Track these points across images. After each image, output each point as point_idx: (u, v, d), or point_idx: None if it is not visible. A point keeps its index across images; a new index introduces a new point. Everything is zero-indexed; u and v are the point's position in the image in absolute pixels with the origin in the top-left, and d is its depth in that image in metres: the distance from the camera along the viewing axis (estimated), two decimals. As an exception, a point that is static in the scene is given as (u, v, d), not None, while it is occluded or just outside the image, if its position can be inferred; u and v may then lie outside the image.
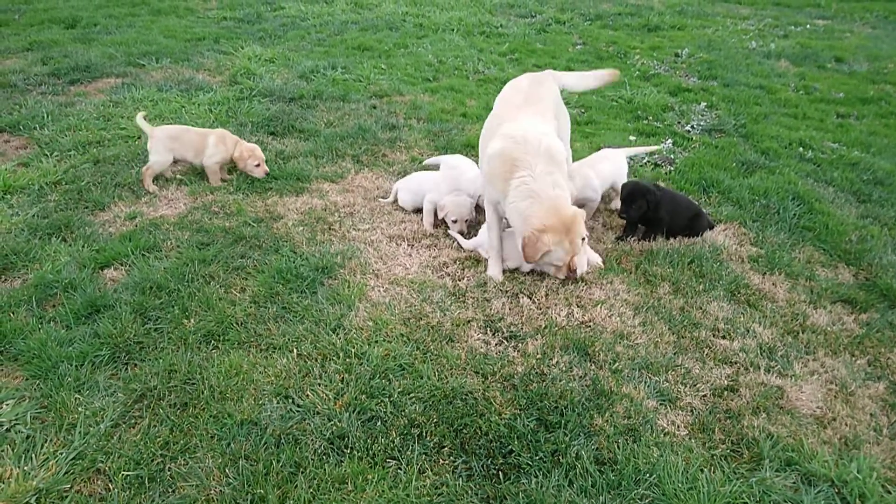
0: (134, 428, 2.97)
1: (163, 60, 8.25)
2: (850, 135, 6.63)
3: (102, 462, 2.78)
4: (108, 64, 7.98)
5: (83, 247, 4.29)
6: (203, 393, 3.14)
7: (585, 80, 4.98)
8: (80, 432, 2.90)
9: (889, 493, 2.75)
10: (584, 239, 3.98)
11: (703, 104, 7.29)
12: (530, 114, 4.26)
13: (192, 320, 3.62)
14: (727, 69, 8.72)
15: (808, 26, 11.68)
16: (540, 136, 4.04)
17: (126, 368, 3.31)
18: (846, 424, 3.10)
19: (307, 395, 3.11)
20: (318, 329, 3.55)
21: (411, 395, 3.13)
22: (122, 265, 4.14)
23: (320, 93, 7.28)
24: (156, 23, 10.24)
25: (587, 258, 4.27)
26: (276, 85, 7.41)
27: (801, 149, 6.19)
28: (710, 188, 5.27)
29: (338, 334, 3.51)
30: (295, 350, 3.40)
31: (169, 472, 2.75)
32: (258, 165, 5.19)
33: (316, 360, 3.35)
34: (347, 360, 3.33)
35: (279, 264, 4.07)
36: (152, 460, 2.79)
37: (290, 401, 3.09)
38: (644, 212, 4.46)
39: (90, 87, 7.36)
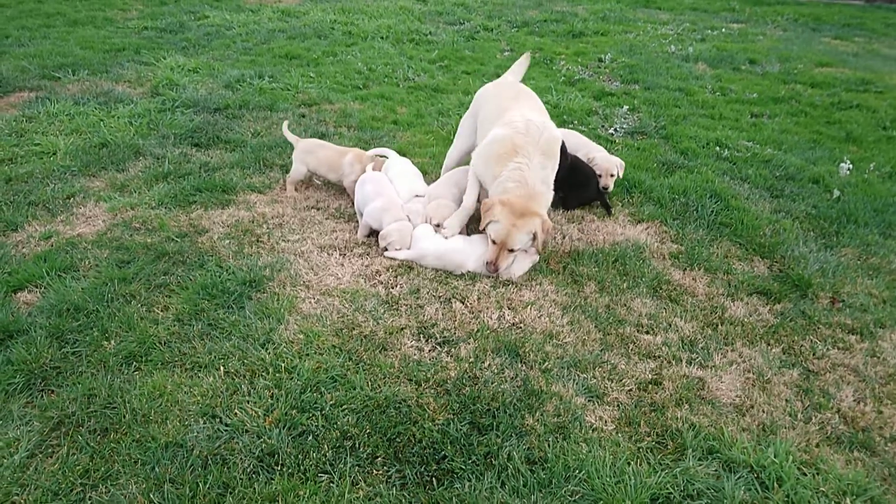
0: (51, 457, 2.84)
1: (80, 73, 7.93)
2: (764, 133, 6.96)
3: (18, 495, 2.66)
4: (21, 77, 7.62)
5: (-7, 270, 4.08)
6: (125, 417, 3.03)
7: (521, 71, 5.52)
8: (-9, 466, 2.75)
9: (804, 475, 2.89)
10: (533, 240, 4.14)
11: (626, 107, 7.52)
12: (528, 107, 4.50)
13: (112, 342, 3.49)
14: (648, 73, 9.03)
15: (723, 30, 12.22)
16: (541, 128, 4.27)
17: (42, 395, 3.16)
18: (763, 411, 3.25)
19: (235, 414, 3.04)
20: (246, 345, 3.47)
21: (344, 406, 3.11)
22: (36, 287, 3.95)
23: (247, 102, 7.15)
24: (72, 34, 9.84)
25: (524, 265, 4.34)
26: (201, 95, 7.23)
27: (717, 148, 6.46)
28: (633, 189, 5.45)
29: (267, 349, 3.45)
30: (222, 367, 3.32)
31: (90, 502, 2.64)
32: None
33: (244, 376, 3.27)
34: (277, 374, 3.27)
35: (204, 280, 3.97)
36: (72, 490, 2.68)
37: (218, 420, 3.02)
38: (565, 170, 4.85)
39: (1, 101, 7.01)
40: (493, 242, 4.14)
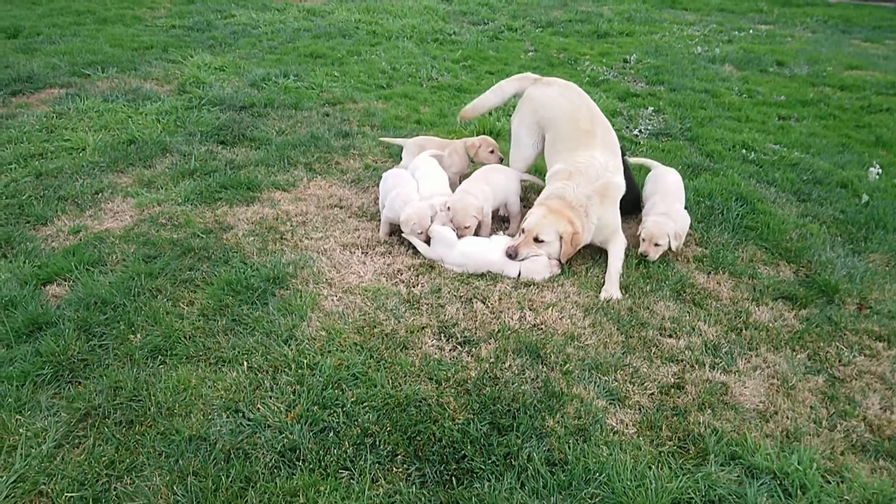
0: (78, 448, 2.89)
1: (109, 70, 8.07)
2: (791, 136, 6.86)
3: (45, 484, 2.70)
4: (52, 74, 7.77)
5: (24, 263, 4.16)
6: (150, 409, 3.08)
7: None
8: (21, 454, 2.81)
9: (828, 482, 2.85)
10: (560, 243, 4.21)
11: (651, 109, 7.46)
12: (601, 145, 4.52)
13: (138, 335, 3.55)
14: (674, 74, 8.94)
15: (751, 31, 12.07)
16: (601, 171, 4.39)
17: (69, 387, 3.22)
18: (787, 417, 3.21)
19: (258, 409, 3.08)
20: (269, 341, 3.51)
21: (364, 404, 3.13)
22: (65, 281, 4.03)
23: (272, 101, 7.22)
24: (102, 32, 10.01)
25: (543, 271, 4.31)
26: (227, 93, 7.31)
27: (744, 151, 6.38)
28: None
29: (289, 345, 3.49)
30: (245, 363, 3.36)
31: (115, 492, 2.68)
32: (492, 152, 5.29)
33: (267, 372, 3.31)
34: (299, 371, 3.30)
35: (229, 276, 4.01)
36: (97, 480, 2.72)
37: (240, 415, 3.05)
38: None
39: (32, 98, 7.15)
40: (523, 232, 4.26)
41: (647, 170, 5.26)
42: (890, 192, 5.61)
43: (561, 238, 4.17)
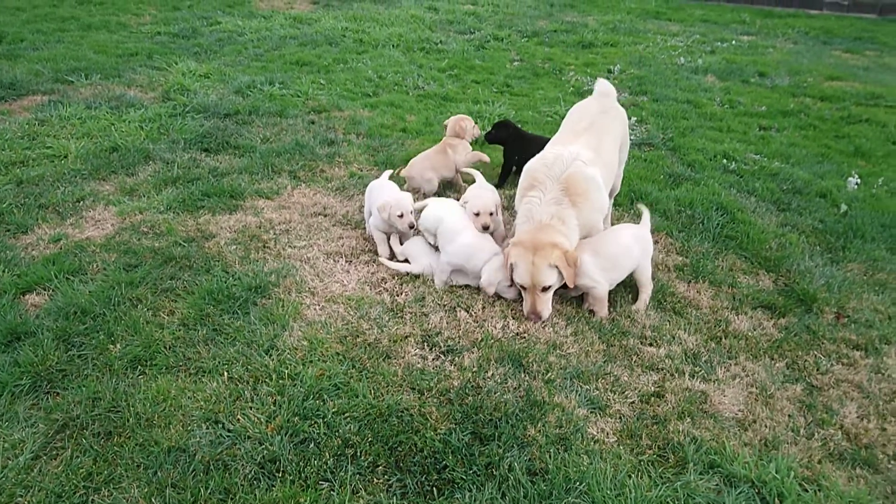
0: (55, 459, 2.87)
1: (92, 77, 8.04)
2: (771, 146, 6.95)
3: (22, 496, 2.69)
4: (35, 81, 7.72)
5: (3, 272, 4.13)
6: (129, 420, 3.06)
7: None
8: (-4, 467, 2.78)
9: (806, 491, 2.87)
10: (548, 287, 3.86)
11: (634, 119, 7.51)
12: (583, 143, 4.26)
13: (117, 345, 3.53)
14: (657, 84, 9.03)
15: (733, 42, 12.21)
16: (570, 162, 4.04)
17: (47, 398, 3.19)
18: (766, 426, 3.24)
19: (238, 420, 3.06)
20: (251, 351, 3.50)
21: (346, 414, 3.12)
22: (44, 290, 3.99)
23: (257, 108, 7.21)
24: (86, 38, 9.95)
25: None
26: (211, 101, 7.30)
27: (725, 160, 6.45)
28: (639, 200, 5.43)
29: (271, 355, 3.47)
30: (225, 373, 3.34)
31: (92, 505, 2.66)
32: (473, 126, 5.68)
33: (247, 382, 3.30)
34: (280, 381, 3.29)
35: (210, 285, 4.00)
36: (74, 492, 2.70)
37: (220, 426, 3.04)
38: (505, 136, 5.69)
39: (15, 104, 7.10)
40: (524, 289, 3.91)
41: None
42: (868, 201, 5.69)
43: (557, 267, 3.81)
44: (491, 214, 4.37)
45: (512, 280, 3.96)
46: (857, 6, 16.30)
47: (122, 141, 6.12)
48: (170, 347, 3.53)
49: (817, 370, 3.66)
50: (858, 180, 6.06)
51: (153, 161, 5.86)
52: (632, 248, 4.07)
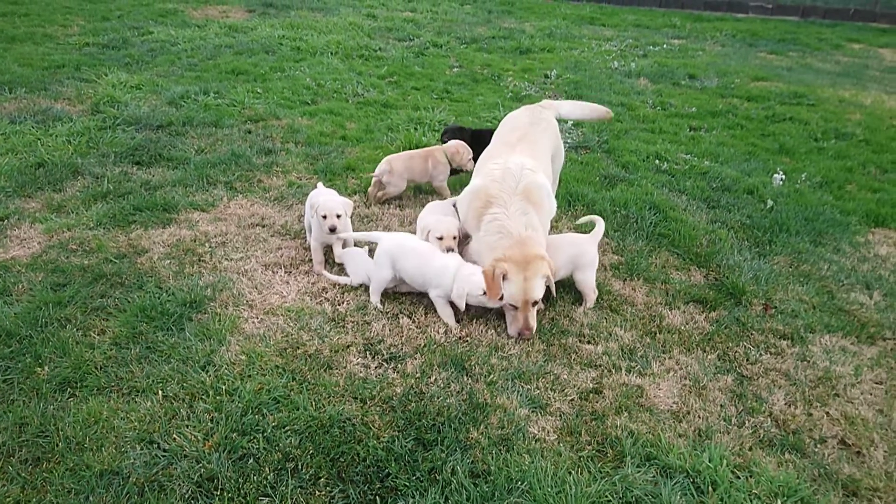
0: (-22, 491, 2.73)
1: (17, 90, 7.70)
2: (701, 146, 7.20)
3: (-60, 533, 2.55)
4: (-48, 95, 7.36)
5: (-82, 296, 3.91)
6: (58, 445, 2.94)
7: (582, 109, 5.43)
8: (-89, 503, 2.64)
9: (738, 478, 2.97)
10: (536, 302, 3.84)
11: (570, 123, 7.68)
12: (520, 153, 4.30)
13: (45, 368, 3.39)
14: (592, 88, 9.24)
15: (664, 46, 12.62)
16: (520, 172, 4.09)
17: (-31, 426, 3.04)
18: (699, 417, 3.35)
19: (174, 439, 2.98)
20: (186, 367, 3.41)
21: (286, 428, 3.08)
22: (-35, 314, 3.80)
23: (191, 119, 7.04)
24: (9, 51, 9.53)
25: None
26: (143, 112, 7.10)
27: (657, 161, 6.65)
28: (576, 202, 5.56)
29: (207, 371, 3.40)
30: (160, 392, 3.25)
31: (18, 536, 2.55)
32: (470, 159, 5.49)
33: (183, 400, 3.21)
34: (217, 397, 3.22)
35: (143, 301, 3.88)
36: (0, 524, 2.58)
37: (155, 446, 2.95)
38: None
39: (-70, 120, 6.74)
40: (514, 307, 3.82)
41: None
42: (793, 197, 5.95)
43: (547, 278, 3.83)
44: (454, 238, 4.26)
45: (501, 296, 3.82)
46: (781, 9, 17.11)
47: (48, 156, 5.89)
48: (101, 368, 3.41)
49: (747, 360, 3.80)
50: (783, 176, 6.34)
51: (82, 176, 5.66)
52: (567, 265, 4.18)
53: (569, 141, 7.19)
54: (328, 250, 4.63)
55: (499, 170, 4.15)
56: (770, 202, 5.78)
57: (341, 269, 4.51)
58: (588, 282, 4.18)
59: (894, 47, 13.66)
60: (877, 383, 3.68)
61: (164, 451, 2.93)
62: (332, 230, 4.33)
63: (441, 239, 4.23)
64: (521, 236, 3.89)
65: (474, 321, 3.99)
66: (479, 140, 5.50)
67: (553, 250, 4.13)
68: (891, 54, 13.04)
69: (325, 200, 4.38)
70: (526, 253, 3.80)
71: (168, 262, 4.41)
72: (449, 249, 4.20)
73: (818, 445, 3.22)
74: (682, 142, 7.35)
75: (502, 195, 4.02)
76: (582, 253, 4.18)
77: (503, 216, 3.96)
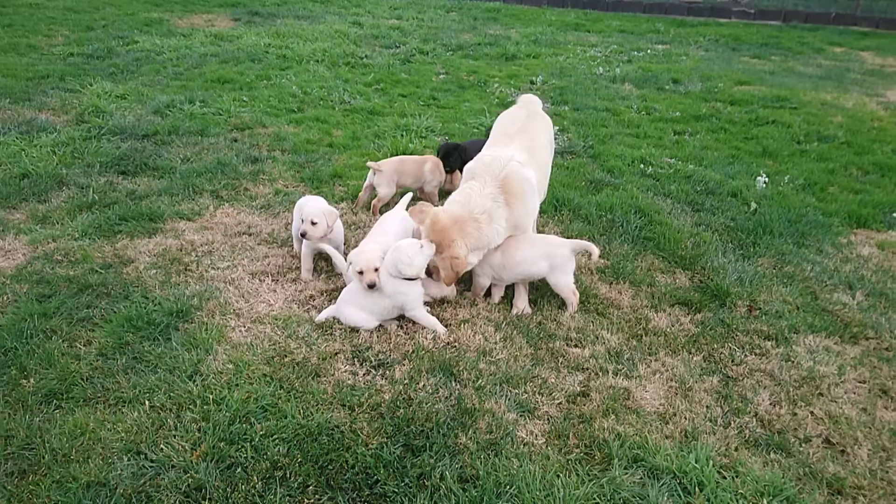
0: (-37, 505, 2.71)
1: (1, 101, 7.66)
2: (686, 150, 7.27)
3: (-75, 548, 2.52)
4: (-65, 107, 7.30)
5: None
6: (44, 457, 2.93)
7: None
8: None
9: (724, 478, 3.00)
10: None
11: (557, 128, 7.71)
12: (517, 146, 4.34)
13: (31, 380, 3.37)
14: (577, 94, 9.31)
15: (649, 51, 12.73)
16: (506, 162, 4.12)
17: (-46, 440, 3.01)
18: (685, 418, 3.37)
19: (161, 449, 2.97)
20: (173, 377, 3.40)
21: (274, 436, 3.07)
22: (-52, 327, 3.77)
23: (176, 128, 7.04)
24: (-8, 61, 9.49)
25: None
26: (128, 122, 7.09)
27: (642, 165, 6.71)
28: (562, 206, 5.59)
29: (194, 381, 3.39)
30: (147, 402, 3.23)
31: (3, 550, 2.53)
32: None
33: (170, 410, 3.20)
34: (205, 407, 3.21)
35: (129, 312, 3.87)
36: (-15, 538, 2.56)
37: (142, 456, 2.94)
38: (461, 162, 5.40)
39: (-88, 131, 6.69)
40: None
41: None
42: (776, 199, 6.02)
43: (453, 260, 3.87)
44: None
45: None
46: (763, 14, 17.32)
47: (32, 167, 5.86)
48: (87, 379, 3.39)
49: (732, 361, 3.84)
50: (766, 179, 6.40)
51: (67, 186, 5.63)
52: (537, 261, 4.17)
53: (555, 146, 7.21)
54: (318, 258, 4.63)
55: (489, 156, 4.20)
56: (754, 205, 5.84)
57: (329, 275, 4.52)
58: (564, 284, 4.19)
59: (875, 50, 13.83)
60: (860, 382, 3.72)
61: (152, 461, 2.92)
62: (303, 235, 4.30)
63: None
64: (470, 216, 3.94)
65: (463, 326, 4.00)
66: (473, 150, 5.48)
67: (527, 246, 4.20)
68: (871, 57, 13.21)
69: (309, 206, 4.38)
70: (445, 232, 3.88)
71: (154, 271, 4.40)
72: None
73: (803, 445, 3.25)
74: (666, 146, 7.42)
75: (486, 176, 4.08)
76: (553, 254, 4.18)
77: (477, 190, 4.03)
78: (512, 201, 4.04)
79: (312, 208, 4.36)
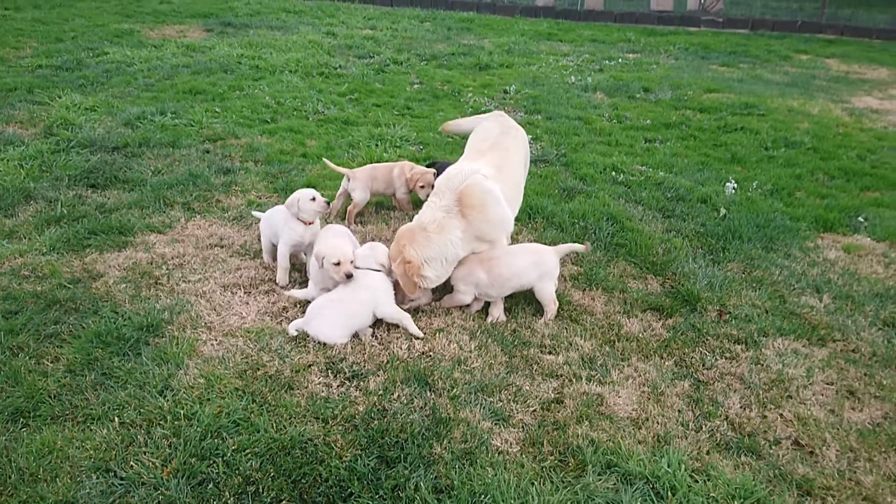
0: (-76, 530, 2.64)
1: (-35, 114, 7.52)
2: (656, 157, 7.37)
3: None
4: None
5: None
6: (10, 477, 2.86)
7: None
8: None
9: (696, 482, 3.03)
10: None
11: (530, 137, 7.75)
12: (487, 161, 4.44)
13: (-4, 399, 3.29)
14: (550, 103, 9.39)
15: (620, 60, 12.90)
16: (468, 175, 4.19)
17: (-86, 463, 2.93)
18: (658, 423, 3.41)
19: (131, 466, 2.92)
20: (143, 393, 3.35)
21: (246, 451, 3.04)
22: None
23: (147, 140, 6.96)
24: (-43, 73, 9.31)
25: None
26: (98, 134, 6.99)
27: (614, 173, 6.79)
28: (536, 214, 5.63)
29: (165, 396, 3.34)
30: (116, 418, 3.18)
31: (-34, 575, 2.46)
32: (424, 187, 5.32)
33: (140, 426, 3.15)
34: (176, 422, 3.17)
35: (98, 327, 3.81)
36: (-54, 564, 2.50)
37: (112, 474, 2.89)
38: None
39: None
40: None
41: None
42: (745, 204, 6.12)
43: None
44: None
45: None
46: (731, 22, 17.68)
47: (-1, 181, 5.76)
48: (55, 396, 3.33)
49: (703, 366, 3.89)
50: (735, 185, 6.51)
51: (34, 200, 5.54)
52: (528, 271, 4.22)
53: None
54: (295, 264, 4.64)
55: (455, 170, 4.29)
56: (723, 210, 5.94)
57: (303, 284, 4.49)
58: (547, 292, 4.23)
59: (840, 57, 14.18)
60: (828, 384, 3.79)
61: (122, 479, 2.87)
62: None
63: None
64: (420, 228, 4.08)
65: (438, 335, 4.01)
66: None
67: (513, 256, 4.26)
68: (836, 64, 13.54)
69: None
70: (399, 243, 4.05)
71: (124, 285, 4.34)
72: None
73: (773, 447, 3.30)
74: (637, 153, 7.52)
75: (446, 191, 4.19)
76: (541, 262, 4.24)
77: (431, 206, 4.18)
78: (468, 213, 4.10)
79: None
